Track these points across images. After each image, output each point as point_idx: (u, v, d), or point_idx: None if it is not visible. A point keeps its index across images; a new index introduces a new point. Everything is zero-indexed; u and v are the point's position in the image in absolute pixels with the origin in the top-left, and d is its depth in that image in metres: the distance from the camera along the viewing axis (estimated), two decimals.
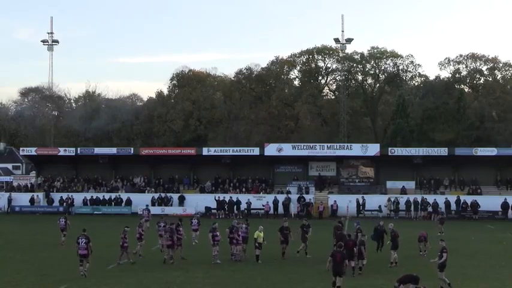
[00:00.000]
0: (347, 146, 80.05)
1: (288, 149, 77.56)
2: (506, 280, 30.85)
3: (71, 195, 77.17)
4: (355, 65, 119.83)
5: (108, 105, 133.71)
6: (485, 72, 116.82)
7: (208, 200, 73.25)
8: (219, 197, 72.71)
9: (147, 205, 64.69)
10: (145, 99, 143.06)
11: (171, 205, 74.28)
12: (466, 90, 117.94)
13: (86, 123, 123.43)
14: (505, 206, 69.82)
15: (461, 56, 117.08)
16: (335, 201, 72.65)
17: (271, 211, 71.43)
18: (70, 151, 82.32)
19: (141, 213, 61.17)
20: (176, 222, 38.54)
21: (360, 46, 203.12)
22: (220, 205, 71.63)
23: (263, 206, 72.15)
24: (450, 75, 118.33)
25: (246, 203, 72.24)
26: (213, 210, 71.35)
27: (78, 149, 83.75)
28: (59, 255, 39.41)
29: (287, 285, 29.20)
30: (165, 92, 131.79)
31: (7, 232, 54.89)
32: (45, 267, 34.36)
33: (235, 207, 71.59)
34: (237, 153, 78.72)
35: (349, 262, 32.34)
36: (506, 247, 44.45)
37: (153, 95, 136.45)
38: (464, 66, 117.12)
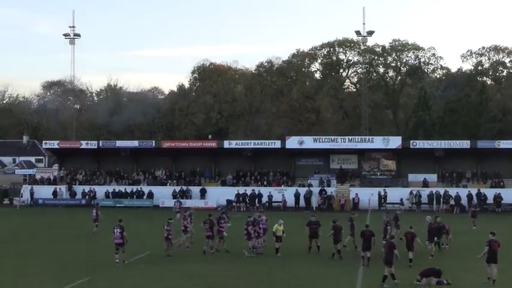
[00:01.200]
0: (368, 138, 79.72)
1: (309, 142, 77.38)
2: None
3: (93, 188, 77.57)
4: (376, 57, 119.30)
5: (130, 99, 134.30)
6: (508, 65, 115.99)
7: (229, 193, 73.29)
8: (238, 190, 72.82)
9: (178, 197, 67.85)
10: (166, 92, 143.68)
11: (191, 198, 74.32)
12: (488, 82, 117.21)
13: (108, 117, 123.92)
14: None
15: (483, 48, 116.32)
16: (356, 194, 72.46)
17: (292, 204, 71.38)
18: (92, 144, 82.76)
19: (174, 206, 62.14)
20: (218, 215, 38.64)
21: (381, 39, 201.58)
22: (241, 198, 71.76)
23: (279, 201, 72.04)
24: (472, 67, 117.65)
25: (268, 196, 72.20)
26: (233, 203, 71.43)
27: (100, 142, 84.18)
28: (82, 247, 39.66)
29: (309, 278, 29.18)
30: (187, 85, 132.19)
31: (30, 225, 55.33)
32: (68, 259, 34.56)
33: (256, 200, 71.60)
34: (258, 146, 78.69)
35: (364, 252, 32.48)
36: None
37: (175, 88, 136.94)
38: (486, 58, 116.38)
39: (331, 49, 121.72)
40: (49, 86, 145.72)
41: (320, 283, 27.85)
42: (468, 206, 68.07)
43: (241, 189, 73.00)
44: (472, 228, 49.57)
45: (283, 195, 72.79)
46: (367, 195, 70.94)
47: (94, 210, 48.57)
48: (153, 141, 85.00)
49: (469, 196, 69.55)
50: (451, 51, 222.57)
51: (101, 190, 77.58)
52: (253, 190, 72.71)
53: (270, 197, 72.18)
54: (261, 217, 37.79)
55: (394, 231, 38.09)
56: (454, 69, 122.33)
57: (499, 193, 69.74)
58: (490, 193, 70.41)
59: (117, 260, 33.00)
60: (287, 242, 35.59)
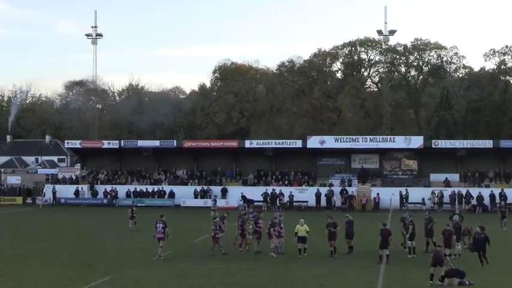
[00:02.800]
0: (390, 138, 79.45)
1: (330, 142, 77.22)
2: None
3: (115, 188, 77.91)
4: (398, 56, 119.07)
5: (151, 98, 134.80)
6: None
7: (250, 192, 73.28)
8: (267, 189, 72.99)
9: (215, 196, 70.59)
10: (187, 92, 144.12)
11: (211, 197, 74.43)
12: (511, 81, 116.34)
13: (130, 117, 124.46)
14: None
15: (507, 47, 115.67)
16: (378, 194, 72.27)
17: (314, 203, 71.33)
18: (114, 144, 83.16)
19: (211, 205, 63.61)
20: (255, 214, 38.60)
21: (403, 38, 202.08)
22: (263, 197, 71.89)
23: (300, 202, 72.13)
24: (495, 66, 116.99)
25: (289, 195, 72.19)
26: (255, 203, 71.42)
27: (122, 141, 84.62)
28: (104, 246, 39.83)
29: (330, 277, 29.13)
30: (208, 84, 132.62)
31: (53, 224, 55.67)
32: (90, 258, 34.74)
33: (277, 199, 71.61)
34: (279, 146, 78.66)
35: (383, 251, 32.49)
36: None
37: (196, 88, 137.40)
38: (510, 57, 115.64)
39: (353, 48, 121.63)
40: (71, 85, 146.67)
41: (341, 283, 27.81)
42: (491, 206, 67.77)
43: (263, 189, 73.09)
44: (502, 228, 48.94)
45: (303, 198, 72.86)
46: (389, 195, 70.72)
47: (130, 209, 49.91)
48: (175, 141, 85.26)
49: (492, 196, 69.14)
50: (474, 50, 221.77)
51: (122, 189, 77.92)
52: (273, 190, 72.73)
53: (291, 196, 72.18)
54: (279, 217, 37.46)
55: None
56: (476, 69, 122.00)
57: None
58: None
59: (159, 254, 34.59)
60: (308, 242, 35.45)
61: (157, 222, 35.61)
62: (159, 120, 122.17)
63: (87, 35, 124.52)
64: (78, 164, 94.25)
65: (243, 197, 70.88)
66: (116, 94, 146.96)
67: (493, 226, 49.98)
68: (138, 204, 73.96)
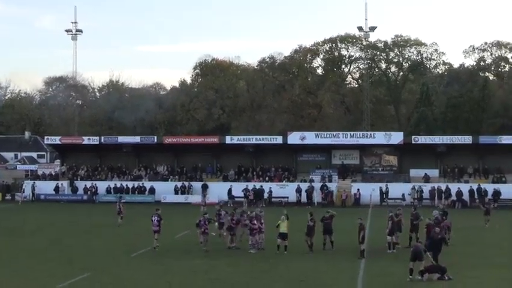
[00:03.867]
0: (370, 134, 79.63)
1: (311, 138, 77.30)
2: None
3: (95, 184, 77.55)
4: (378, 53, 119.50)
5: (132, 95, 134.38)
6: (511, 60, 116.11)
7: (231, 188, 73.21)
8: (247, 185, 72.92)
9: (205, 192, 71.33)
10: (168, 88, 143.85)
11: (192, 193, 74.47)
12: (490, 78, 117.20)
13: (110, 113, 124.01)
14: None
15: (486, 43, 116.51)
16: (358, 189, 72.46)
17: (294, 199, 71.40)
18: (94, 140, 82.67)
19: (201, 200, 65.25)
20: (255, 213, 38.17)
21: (383, 34, 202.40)
22: (244, 193, 71.91)
23: (281, 198, 72.23)
24: (475, 63, 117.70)
25: (268, 192, 72.23)
26: (236, 199, 71.44)
27: (102, 137, 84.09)
28: (84, 243, 39.67)
29: (310, 273, 29.15)
30: (188, 80, 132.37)
31: (33, 220, 55.39)
32: (70, 254, 34.60)
33: (258, 196, 71.66)
34: (260, 142, 78.61)
35: (360, 245, 32.87)
36: None
37: (177, 84, 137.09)
38: (489, 53, 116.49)
39: (333, 45, 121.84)
40: (51, 81, 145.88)
41: (322, 278, 27.87)
42: (470, 202, 68.25)
43: (243, 185, 73.06)
44: (485, 226, 47.86)
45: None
46: (369, 191, 70.93)
47: (118, 204, 50.33)
48: (155, 137, 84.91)
49: (471, 191, 69.59)
50: (454, 47, 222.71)
51: (102, 186, 77.56)
52: (254, 186, 72.75)
53: (271, 192, 72.24)
54: (259, 213, 37.40)
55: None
56: (456, 65, 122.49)
57: (497, 188, 69.53)
58: (491, 188, 70.24)
59: (155, 246, 36.11)
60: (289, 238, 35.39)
61: (153, 215, 36.96)
62: (139, 116, 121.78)
63: (67, 31, 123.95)
64: (58, 160, 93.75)
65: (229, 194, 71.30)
66: (96, 90, 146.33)
67: (475, 221, 50.42)
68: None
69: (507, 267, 30.89)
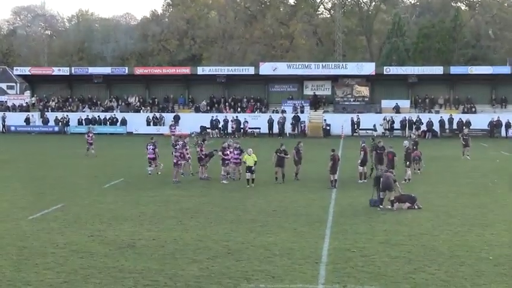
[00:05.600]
0: (342, 65, 79.64)
1: (283, 68, 77.20)
2: (498, 196, 31.09)
3: (66, 115, 77.04)
4: None
5: (102, 25, 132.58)
6: None
7: (203, 120, 73.17)
8: (213, 116, 72.88)
9: (172, 120, 71.91)
10: (139, 18, 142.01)
11: (164, 125, 74.25)
12: (462, 8, 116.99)
13: (79, 43, 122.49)
14: (497, 124, 69.97)
15: None
16: (327, 120, 72.63)
17: (266, 130, 71.49)
18: (64, 71, 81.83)
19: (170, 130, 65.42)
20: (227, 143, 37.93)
21: None
22: (214, 125, 71.85)
23: (253, 129, 72.23)
24: None
25: (242, 122, 72.26)
26: (208, 130, 71.47)
27: (73, 68, 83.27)
28: (56, 174, 39.51)
29: (282, 203, 29.34)
30: (159, 11, 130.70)
31: (3, 152, 54.93)
32: (42, 186, 34.47)
33: (229, 126, 71.71)
34: (232, 73, 78.33)
35: (333, 175, 33.42)
36: (499, 165, 44.69)
37: (147, 14, 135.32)
38: None
39: None
40: (19, 11, 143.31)
41: (294, 208, 28.03)
42: (440, 132, 68.92)
43: (214, 116, 73.02)
44: (464, 157, 47.38)
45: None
46: (341, 122, 71.26)
47: (88, 134, 50.06)
48: (126, 68, 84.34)
49: (441, 122, 70.20)
50: None
51: (74, 117, 77.12)
52: (225, 117, 72.72)
53: (245, 123, 72.21)
54: (236, 145, 37.31)
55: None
56: None
57: (467, 119, 69.99)
58: (460, 119, 70.73)
59: (149, 172, 38.25)
60: (259, 169, 35.41)
61: (148, 144, 38.94)
62: (110, 47, 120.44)
63: None
64: (28, 92, 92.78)
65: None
66: (65, 20, 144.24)
67: (446, 151, 50.94)
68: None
69: (476, 195, 31.32)
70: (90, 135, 49.88)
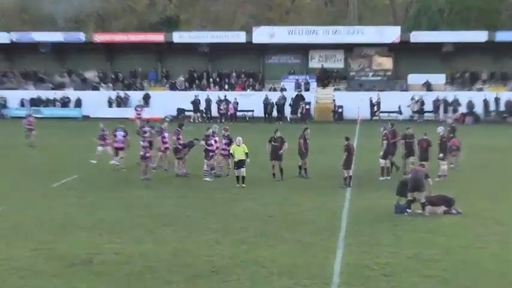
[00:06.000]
0: (358, 30, 79.33)
1: (282, 34, 77.02)
2: None
3: (4, 94, 76.91)
4: None
5: None
6: None
7: (180, 100, 73.13)
8: (194, 95, 72.80)
9: (140, 100, 73.21)
10: None
11: (131, 106, 74.13)
12: None
13: (22, 1, 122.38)
14: None
15: None
16: (340, 100, 72.65)
17: (261, 113, 71.43)
18: (2, 38, 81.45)
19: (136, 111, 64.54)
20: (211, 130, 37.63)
21: None
22: (195, 106, 71.80)
23: (244, 112, 72.35)
24: None
25: (234, 103, 72.12)
26: (186, 113, 71.44)
27: (12, 34, 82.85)
28: None
29: (282, 207, 29.17)
30: None
31: None
32: None
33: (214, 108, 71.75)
34: (217, 40, 78.06)
35: (347, 171, 33.18)
36: None
37: None
38: None
39: None
40: None
41: (296, 213, 27.84)
42: (485, 115, 69.03)
43: (196, 95, 72.93)
44: None
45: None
46: (356, 102, 71.18)
47: (28, 119, 50.87)
48: (82, 34, 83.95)
49: (485, 102, 70.22)
50: None
51: (14, 96, 76.98)
52: (208, 96, 72.58)
53: (235, 103, 72.06)
54: (225, 132, 36.98)
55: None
56: None
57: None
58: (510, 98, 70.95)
59: (117, 163, 38.98)
60: (252, 163, 35.22)
61: (117, 129, 39.13)
62: (61, 6, 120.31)
63: None
64: None
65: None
66: None
67: (491, 140, 50.86)
68: (36, 115, 73.54)
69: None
70: (31, 119, 50.30)
